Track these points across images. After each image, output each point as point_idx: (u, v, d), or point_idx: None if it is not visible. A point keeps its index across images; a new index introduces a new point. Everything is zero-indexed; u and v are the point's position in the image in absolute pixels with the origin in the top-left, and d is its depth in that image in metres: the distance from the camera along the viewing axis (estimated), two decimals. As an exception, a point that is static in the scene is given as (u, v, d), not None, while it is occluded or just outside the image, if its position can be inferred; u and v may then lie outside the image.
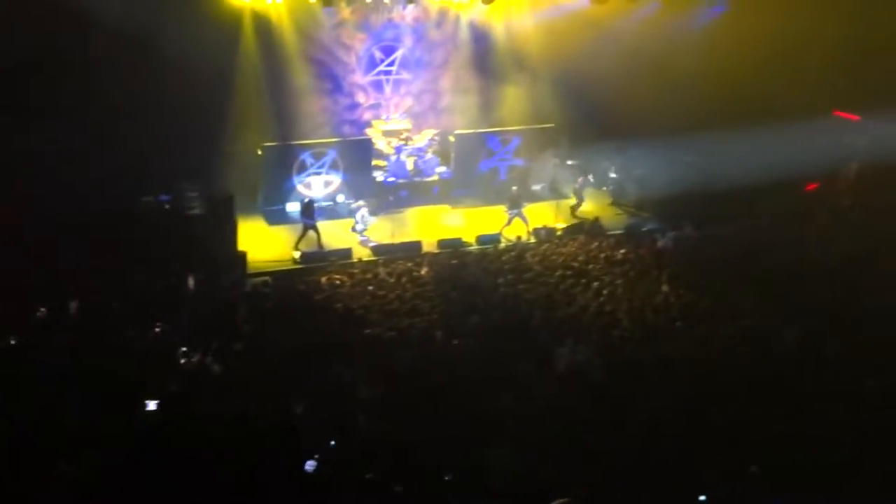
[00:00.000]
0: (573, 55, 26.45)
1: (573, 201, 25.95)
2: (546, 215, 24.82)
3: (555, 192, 26.19)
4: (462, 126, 26.80)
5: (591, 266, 20.82)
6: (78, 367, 12.75)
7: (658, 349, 16.16)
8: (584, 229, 23.96)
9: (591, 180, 25.90)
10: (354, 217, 23.48)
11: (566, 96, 26.78)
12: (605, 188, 26.68)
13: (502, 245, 23.05)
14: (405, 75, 26.99)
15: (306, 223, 22.67)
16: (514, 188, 24.49)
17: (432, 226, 24.41)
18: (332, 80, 26.15)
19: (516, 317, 17.96)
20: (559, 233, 23.95)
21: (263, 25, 24.12)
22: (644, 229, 24.08)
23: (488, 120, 27.37)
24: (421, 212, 25.28)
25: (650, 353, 15.98)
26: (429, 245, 22.90)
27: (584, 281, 19.80)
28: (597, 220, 24.48)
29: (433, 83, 27.49)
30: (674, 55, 26.26)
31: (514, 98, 27.39)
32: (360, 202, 23.71)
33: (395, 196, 25.35)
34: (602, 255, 21.60)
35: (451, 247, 22.78)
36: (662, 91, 26.29)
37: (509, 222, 23.89)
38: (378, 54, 26.59)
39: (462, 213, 25.34)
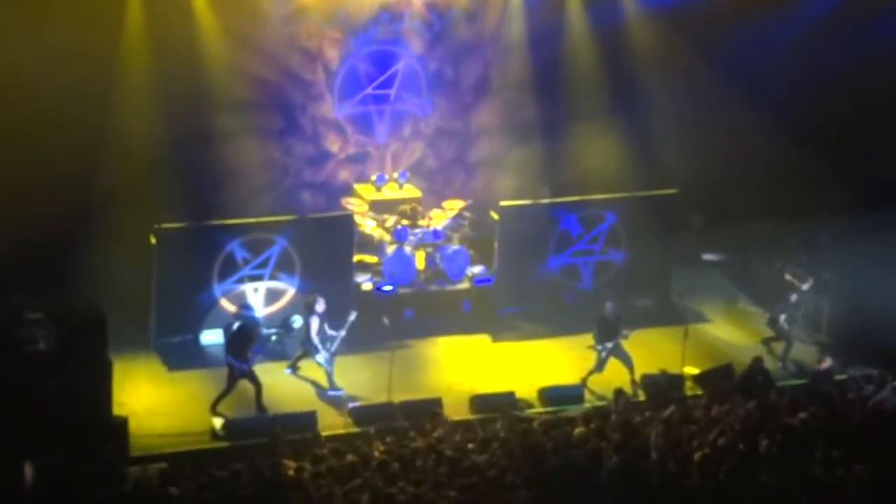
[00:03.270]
0: (705, 69, 27.03)
1: (712, 327, 26.04)
2: (664, 352, 24.38)
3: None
4: (512, 193, 26.65)
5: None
6: None
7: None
8: (736, 380, 23.45)
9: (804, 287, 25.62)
10: (310, 331, 23.11)
11: (696, 143, 27.31)
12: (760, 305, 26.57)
13: (588, 407, 22.55)
14: (412, 104, 27.22)
15: (237, 367, 22.25)
16: (609, 304, 23.94)
17: (461, 370, 24.13)
18: (281, 112, 26.58)
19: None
20: (689, 384, 23.62)
21: (163, 22, 24.74)
22: (842, 377, 23.63)
23: (558, 183, 27.44)
24: (440, 345, 25.14)
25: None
26: (455, 404, 22.55)
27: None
28: (758, 360, 23.69)
29: (461, 118, 27.87)
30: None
31: (602, 145, 27.64)
32: (313, 302, 23.37)
33: (393, 318, 24.55)
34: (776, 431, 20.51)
35: (495, 408, 22.21)
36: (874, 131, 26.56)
37: (601, 365, 23.53)
38: (364, 67, 26.85)
39: (514, 347, 25.04)
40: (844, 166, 28.14)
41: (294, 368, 23.56)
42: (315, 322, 23.03)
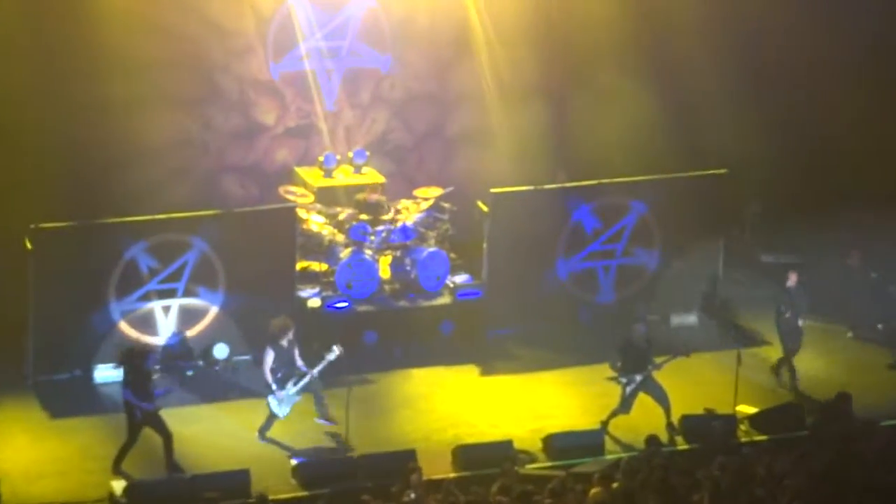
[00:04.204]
0: (770, 12, 26.99)
1: (773, 350, 26.39)
2: (711, 385, 24.61)
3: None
4: (505, 177, 27.28)
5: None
6: None
7: None
8: (808, 423, 23.84)
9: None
10: (263, 364, 23.38)
11: (753, 109, 28.07)
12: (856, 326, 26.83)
13: (609, 459, 22.72)
14: (372, 60, 27.95)
15: (137, 408, 22.22)
16: (637, 324, 24.13)
17: (441, 413, 24.53)
18: (197, 73, 27.21)
19: None
20: (744, 428, 23.78)
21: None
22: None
23: (566, 162, 28.25)
24: (413, 380, 25.61)
25: None
26: (434, 458, 22.67)
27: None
28: (844, 396, 23.95)
29: (437, 78, 28.70)
30: None
31: (626, 113, 28.48)
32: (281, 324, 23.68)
33: (350, 344, 24.47)
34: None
35: (486, 462, 22.35)
36: None
37: (626, 404, 23.71)
38: (308, 13, 27.71)
39: (511, 381, 25.37)
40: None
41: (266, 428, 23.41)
42: (270, 355, 23.14)
